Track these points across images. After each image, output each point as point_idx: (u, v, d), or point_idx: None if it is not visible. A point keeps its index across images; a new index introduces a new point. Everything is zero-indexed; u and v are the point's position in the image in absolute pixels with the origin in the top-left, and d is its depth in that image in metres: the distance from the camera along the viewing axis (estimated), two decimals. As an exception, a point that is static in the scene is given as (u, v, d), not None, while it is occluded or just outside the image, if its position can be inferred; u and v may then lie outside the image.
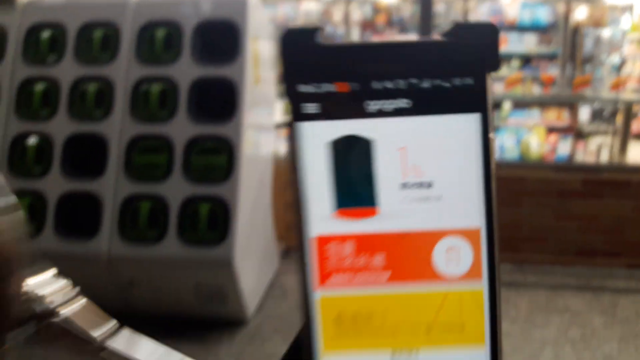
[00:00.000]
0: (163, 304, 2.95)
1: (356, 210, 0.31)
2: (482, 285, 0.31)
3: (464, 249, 0.31)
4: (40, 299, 0.41)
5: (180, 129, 2.86)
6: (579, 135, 5.35)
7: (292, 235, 3.87)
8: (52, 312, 0.40)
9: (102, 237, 2.81)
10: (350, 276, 0.31)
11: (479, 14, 6.29)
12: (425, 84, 0.30)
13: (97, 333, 0.42)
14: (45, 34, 3.04)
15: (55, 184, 2.91)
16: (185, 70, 2.90)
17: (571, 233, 3.70)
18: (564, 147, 4.99)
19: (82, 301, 0.42)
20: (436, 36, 0.31)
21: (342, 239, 0.31)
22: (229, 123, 2.84)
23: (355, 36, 6.34)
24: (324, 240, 0.31)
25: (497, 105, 5.19)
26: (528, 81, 6.04)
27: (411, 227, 0.31)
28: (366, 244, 0.31)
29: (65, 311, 0.41)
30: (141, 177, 2.85)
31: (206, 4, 2.96)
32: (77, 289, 0.42)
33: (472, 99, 0.30)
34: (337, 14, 6.39)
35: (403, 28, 6.56)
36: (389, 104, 0.30)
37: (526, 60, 6.20)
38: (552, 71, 5.90)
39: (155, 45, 2.94)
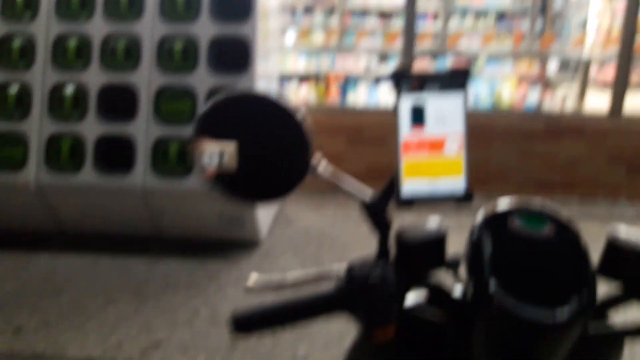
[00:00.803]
0: (190, 228, 3.48)
1: (418, 125, 0.82)
2: (462, 155, 0.84)
3: (456, 141, 0.83)
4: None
5: (202, 80, 3.28)
6: (547, 84, 5.85)
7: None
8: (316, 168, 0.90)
9: (136, 172, 3.28)
10: (415, 153, 0.83)
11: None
12: (445, 82, 0.81)
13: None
14: (76, -6, 3.39)
15: (92, 128, 3.33)
16: (204, 29, 3.30)
17: (533, 170, 4.30)
18: (533, 96, 5.50)
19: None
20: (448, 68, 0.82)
21: (412, 139, 0.83)
22: (243, 74, 3.26)
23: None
24: (406, 141, 0.83)
25: (473, 59, 5.67)
26: (502, 34, 6.48)
27: (437, 134, 0.83)
28: (420, 141, 0.83)
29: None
30: (169, 121, 3.29)
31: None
32: None
33: (461, 86, 0.82)
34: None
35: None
36: (432, 88, 0.81)
37: (501, 15, 6.61)
38: (524, 26, 6.34)
39: (177, 6, 3.33)
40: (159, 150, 3.27)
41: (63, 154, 3.33)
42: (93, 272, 3.23)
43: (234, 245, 3.48)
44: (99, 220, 3.49)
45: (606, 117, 4.32)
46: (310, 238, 3.63)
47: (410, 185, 0.83)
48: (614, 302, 0.80)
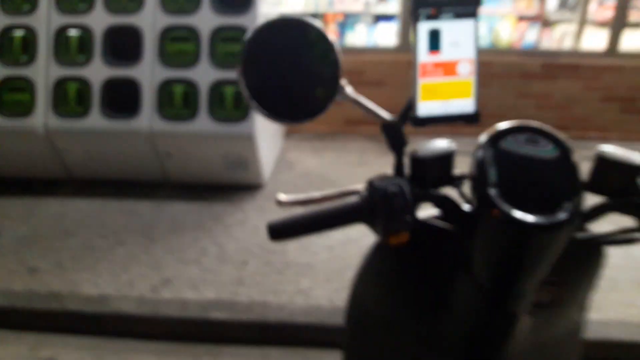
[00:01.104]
0: (196, 172, 3.56)
1: (434, 51, 0.90)
2: (471, 78, 0.92)
3: (467, 65, 0.91)
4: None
5: (205, 20, 3.28)
6: (546, 23, 5.83)
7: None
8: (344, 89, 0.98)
9: (142, 115, 3.33)
10: (430, 76, 0.91)
11: None
12: (459, 10, 0.88)
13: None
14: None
15: (98, 71, 3.35)
16: (206, -32, 3.29)
17: (529, 109, 4.38)
18: (531, 35, 5.49)
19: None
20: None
21: (428, 63, 0.91)
22: (246, 14, 3.26)
23: None
24: (423, 64, 0.90)
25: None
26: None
27: (451, 58, 0.91)
28: (436, 64, 0.91)
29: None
30: (174, 63, 3.31)
31: None
32: None
33: (473, 14, 0.89)
34: None
35: None
36: (447, 16, 0.88)
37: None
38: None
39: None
40: (165, 93, 3.31)
41: (70, 99, 3.37)
42: (102, 216, 3.33)
43: (238, 188, 3.58)
44: (106, 165, 3.56)
45: (602, 54, 4.36)
46: (312, 180, 3.73)
47: (426, 106, 0.92)
48: (598, 212, 0.90)
